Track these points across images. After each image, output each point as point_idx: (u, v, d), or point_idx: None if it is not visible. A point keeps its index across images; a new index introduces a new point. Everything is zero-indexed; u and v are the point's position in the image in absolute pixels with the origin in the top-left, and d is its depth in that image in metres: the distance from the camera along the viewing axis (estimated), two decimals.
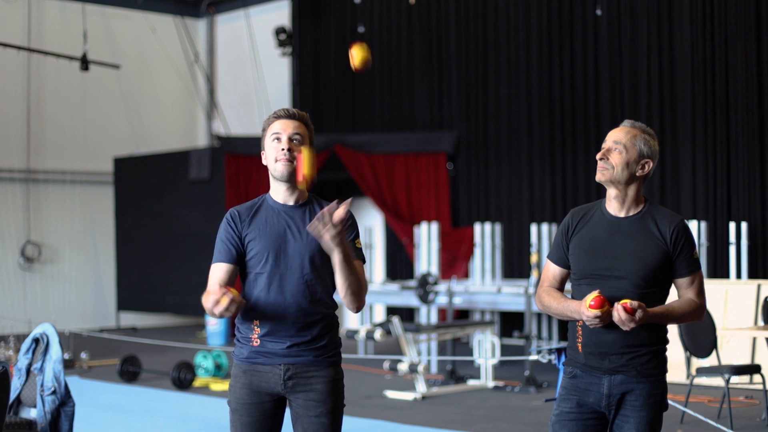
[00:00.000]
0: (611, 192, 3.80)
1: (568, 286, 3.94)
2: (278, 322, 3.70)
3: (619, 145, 3.77)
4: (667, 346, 3.85)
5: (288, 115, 3.81)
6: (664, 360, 3.82)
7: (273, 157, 3.76)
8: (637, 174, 3.77)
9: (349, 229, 3.73)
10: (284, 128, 3.78)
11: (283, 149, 3.74)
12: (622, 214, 3.80)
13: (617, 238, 3.75)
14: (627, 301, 3.60)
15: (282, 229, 3.76)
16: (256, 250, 3.74)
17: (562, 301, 3.77)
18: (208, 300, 3.52)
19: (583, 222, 3.84)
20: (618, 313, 3.59)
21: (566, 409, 3.79)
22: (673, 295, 3.84)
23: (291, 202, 3.81)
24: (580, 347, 3.76)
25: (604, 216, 3.82)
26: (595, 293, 3.62)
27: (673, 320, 3.77)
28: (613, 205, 3.81)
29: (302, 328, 3.74)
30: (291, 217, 3.78)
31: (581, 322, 3.73)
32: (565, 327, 10.23)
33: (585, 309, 3.62)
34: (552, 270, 3.89)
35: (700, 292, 3.82)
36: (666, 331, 3.83)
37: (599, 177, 3.79)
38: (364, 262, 3.79)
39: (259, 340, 3.74)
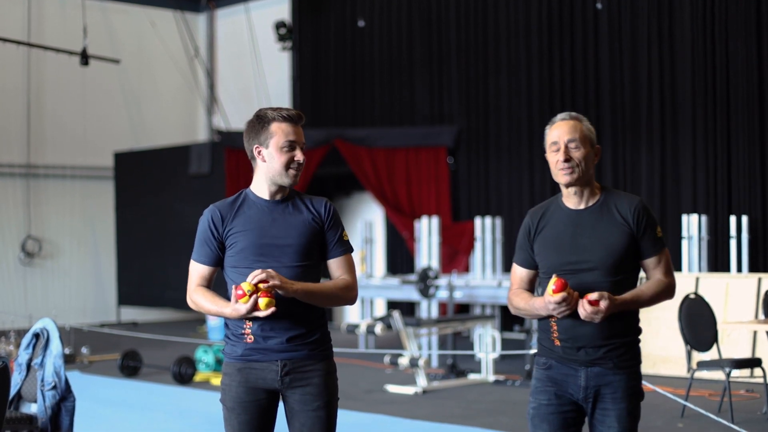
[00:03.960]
0: (572, 189, 3.77)
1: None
2: (273, 317, 3.68)
3: (575, 142, 3.75)
4: (640, 337, 3.83)
5: (298, 119, 3.80)
6: (639, 351, 3.81)
7: (284, 163, 3.76)
8: (594, 163, 3.80)
9: (335, 226, 3.85)
10: (298, 137, 3.78)
11: (298, 160, 3.78)
12: (582, 206, 3.78)
13: (581, 230, 3.74)
14: (588, 295, 3.60)
15: (269, 224, 3.77)
16: (242, 245, 3.74)
17: (529, 299, 3.77)
18: (239, 309, 3.59)
19: (543, 221, 3.81)
20: (583, 308, 3.58)
21: (544, 402, 3.77)
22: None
23: (276, 198, 3.83)
24: (557, 341, 3.74)
25: (563, 211, 3.80)
26: (553, 278, 3.60)
27: (645, 303, 3.74)
28: (573, 200, 3.79)
29: (297, 321, 3.75)
30: (276, 211, 3.80)
31: (555, 317, 3.71)
32: None
33: (549, 297, 3.60)
34: (519, 272, 3.88)
35: (669, 271, 3.81)
36: (638, 321, 3.81)
37: (568, 179, 3.73)
38: (352, 251, 3.90)
39: (252, 336, 3.73)
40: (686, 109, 12.37)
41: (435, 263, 12.18)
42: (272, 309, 3.58)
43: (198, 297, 3.78)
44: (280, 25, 16.78)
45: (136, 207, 16.61)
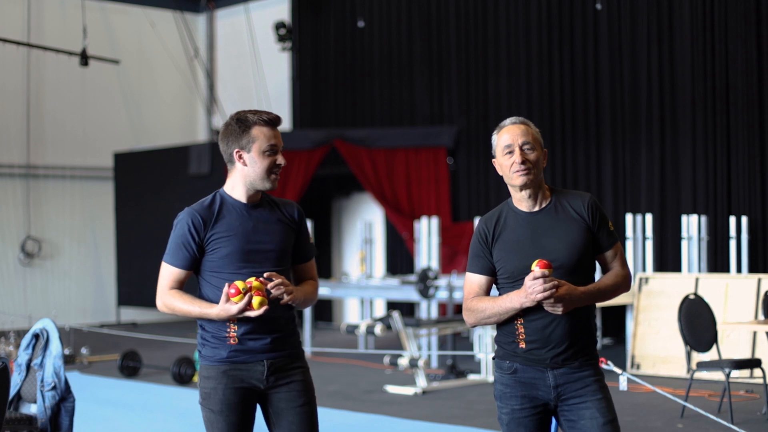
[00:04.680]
0: (525, 192, 3.76)
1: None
2: (259, 318, 3.71)
3: (529, 144, 3.74)
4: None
5: (277, 123, 3.83)
6: (596, 350, 3.85)
7: (267, 167, 3.77)
8: (543, 166, 3.81)
9: (306, 230, 3.93)
10: (278, 140, 3.81)
11: (279, 164, 3.80)
12: (536, 209, 3.78)
13: (540, 231, 3.74)
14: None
15: (251, 229, 3.81)
16: (227, 251, 3.77)
17: (497, 299, 3.73)
18: (230, 309, 3.64)
19: (499, 227, 3.80)
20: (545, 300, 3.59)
21: (517, 407, 3.75)
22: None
23: (253, 201, 3.85)
24: (523, 344, 3.72)
25: (518, 215, 3.79)
26: (536, 261, 3.60)
27: (605, 294, 3.75)
28: (526, 203, 3.78)
29: (282, 322, 3.81)
30: (254, 215, 3.83)
31: (521, 320, 3.70)
32: None
33: (531, 275, 3.57)
34: (476, 280, 3.83)
35: (624, 263, 3.84)
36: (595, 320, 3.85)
37: (524, 180, 3.72)
38: (317, 252, 3.96)
39: (237, 339, 3.75)
40: (686, 109, 12.37)
41: (435, 264, 12.18)
42: (265, 308, 3.62)
43: (173, 300, 3.79)
44: (279, 25, 16.78)
45: (136, 207, 16.61)
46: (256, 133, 3.76)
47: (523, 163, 3.71)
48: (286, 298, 3.68)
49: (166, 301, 3.82)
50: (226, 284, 3.65)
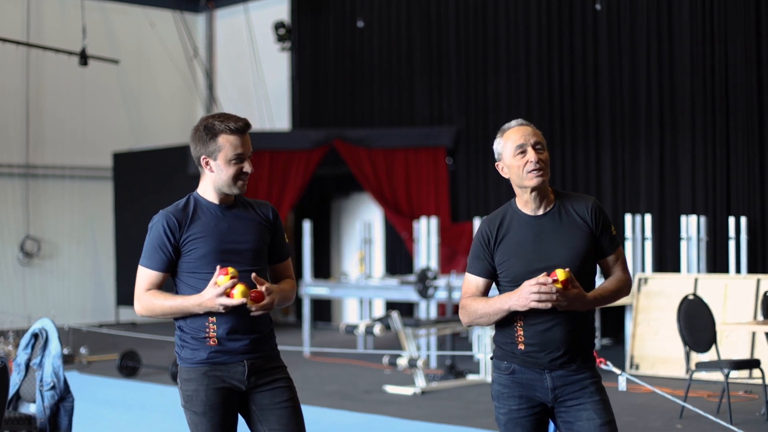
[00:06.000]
0: (534, 193, 3.73)
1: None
2: (238, 320, 3.73)
3: (540, 144, 3.73)
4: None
5: (246, 129, 3.80)
6: (594, 352, 3.85)
7: (232, 176, 3.76)
8: None
9: (281, 230, 3.94)
10: (246, 148, 3.79)
11: (246, 172, 3.78)
12: (540, 212, 3.76)
13: (543, 236, 3.72)
14: (555, 274, 3.56)
15: (226, 229, 3.81)
16: (203, 251, 3.77)
17: (489, 300, 3.73)
18: (220, 300, 3.63)
19: (502, 229, 3.77)
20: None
21: (515, 407, 3.75)
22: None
23: (226, 203, 3.86)
24: (522, 346, 3.72)
25: (522, 218, 3.76)
26: (563, 272, 3.57)
27: (608, 299, 3.75)
28: (531, 206, 3.75)
29: (258, 323, 3.82)
30: (229, 216, 3.84)
31: (521, 322, 3.70)
32: None
33: (536, 279, 3.56)
34: (474, 282, 3.82)
35: (625, 268, 3.83)
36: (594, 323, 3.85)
37: (539, 181, 3.69)
38: (290, 255, 4.01)
39: (216, 340, 3.76)
40: (685, 109, 12.37)
41: (434, 264, 12.18)
42: (245, 300, 3.61)
43: (151, 299, 3.87)
44: (279, 25, 16.78)
45: (135, 207, 16.59)
46: (222, 141, 3.74)
47: (538, 162, 3.68)
48: (265, 301, 3.68)
49: (144, 302, 3.89)
50: (218, 267, 3.66)
